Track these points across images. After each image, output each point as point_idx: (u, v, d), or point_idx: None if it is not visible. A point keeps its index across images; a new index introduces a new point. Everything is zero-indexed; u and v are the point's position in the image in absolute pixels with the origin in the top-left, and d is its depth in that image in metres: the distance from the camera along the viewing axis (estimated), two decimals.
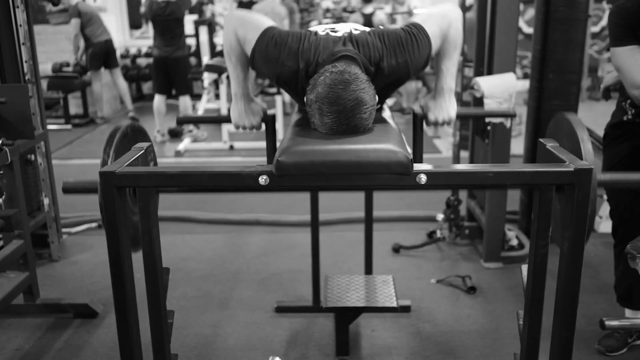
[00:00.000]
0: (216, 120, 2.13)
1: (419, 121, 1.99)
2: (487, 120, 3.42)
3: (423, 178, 1.52)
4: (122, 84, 7.78)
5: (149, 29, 6.81)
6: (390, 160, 1.48)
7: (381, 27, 2.21)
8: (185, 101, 6.91)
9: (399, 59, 1.75)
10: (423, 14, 1.87)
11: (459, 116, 1.98)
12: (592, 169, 1.50)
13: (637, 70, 2.32)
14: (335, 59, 1.70)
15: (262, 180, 1.52)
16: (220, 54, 8.43)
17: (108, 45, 7.63)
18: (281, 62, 1.75)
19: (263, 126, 2.11)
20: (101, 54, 7.67)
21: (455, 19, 1.85)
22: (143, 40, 8.44)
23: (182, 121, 2.22)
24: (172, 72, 6.74)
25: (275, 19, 7.77)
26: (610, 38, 2.44)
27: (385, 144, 1.52)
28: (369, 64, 1.73)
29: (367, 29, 1.86)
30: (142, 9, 7.39)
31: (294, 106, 6.67)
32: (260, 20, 1.83)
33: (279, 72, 1.78)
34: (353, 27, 1.87)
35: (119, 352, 1.71)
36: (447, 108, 1.96)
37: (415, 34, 1.77)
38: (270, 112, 2.07)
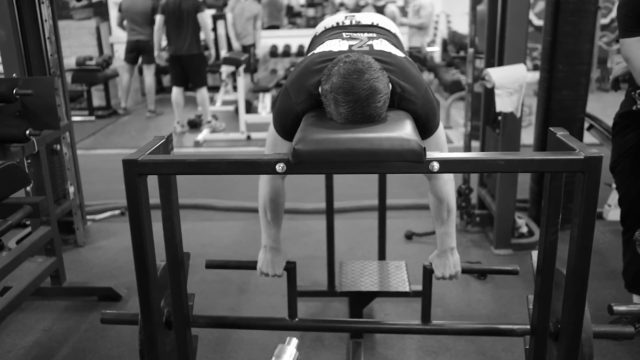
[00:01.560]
0: (244, 266, 2.22)
1: (428, 275, 2.08)
2: (498, 110, 3.39)
3: (436, 165, 1.52)
4: (150, 81, 7.81)
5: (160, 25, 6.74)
6: (404, 148, 1.48)
7: (396, 22, 2.20)
8: (202, 94, 6.93)
9: (413, 92, 1.71)
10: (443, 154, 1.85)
11: (464, 271, 2.14)
12: (601, 156, 1.49)
13: None
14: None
15: (279, 167, 1.53)
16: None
17: (139, 45, 7.64)
18: (295, 104, 1.71)
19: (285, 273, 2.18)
20: (133, 50, 7.71)
21: (451, 185, 1.95)
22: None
23: (211, 266, 2.30)
24: (187, 67, 6.74)
25: (244, 15, 7.80)
26: (619, 29, 2.41)
27: (399, 132, 1.52)
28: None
29: (387, 21, 1.84)
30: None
31: None
32: (268, 138, 1.88)
33: (301, 109, 1.72)
34: (373, 19, 1.86)
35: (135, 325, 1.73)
36: (451, 265, 2.04)
37: (435, 100, 1.77)
38: (290, 263, 2.15)
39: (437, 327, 2.16)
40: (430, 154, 1.53)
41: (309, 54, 1.85)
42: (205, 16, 6.84)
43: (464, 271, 2.10)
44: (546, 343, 1.92)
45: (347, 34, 1.88)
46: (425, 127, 1.74)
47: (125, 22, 7.71)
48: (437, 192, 1.94)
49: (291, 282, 2.14)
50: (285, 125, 1.76)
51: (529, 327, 1.97)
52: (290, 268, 2.14)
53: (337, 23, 2.03)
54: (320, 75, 1.64)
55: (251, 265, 2.17)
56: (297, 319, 2.16)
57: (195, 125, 7.22)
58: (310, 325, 2.43)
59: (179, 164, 1.61)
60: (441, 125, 1.82)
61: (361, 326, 2.49)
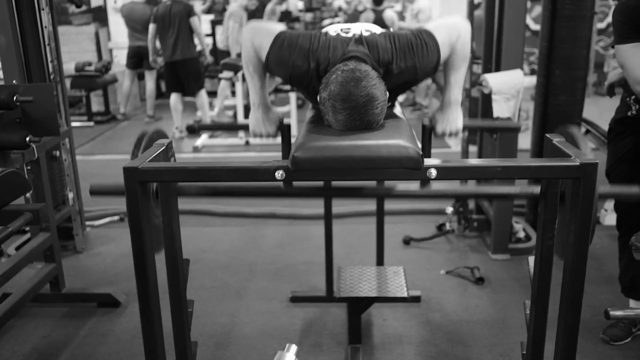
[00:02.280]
0: (233, 127, 2.16)
1: (427, 132, 2.01)
2: (495, 115, 3.40)
3: (433, 172, 1.53)
4: (151, 86, 7.84)
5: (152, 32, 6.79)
6: (402, 156, 1.49)
7: (392, 28, 2.21)
8: (202, 98, 6.94)
9: (408, 62, 1.74)
10: (434, 22, 1.86)
11: (466, 126, 1.99)
12: (597, 163, 1.50)
13: None
14: (345, 58, 1.70)
15: (279, 175, 1.54)
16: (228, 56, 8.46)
17: (141, 50, 7.65)
18: (292, 62, 1.76)
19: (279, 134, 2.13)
20: (135, 55, 7.75)
21: (464, 31, 1.83)
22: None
23: (202, 128, 2.26)
24: (181, 73, 6.74)
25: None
26: (615, 35, 2.43)
27: (397, 139, 1.53)
28: (377, 65, 1.72)
29: (379, 30, 1.86)
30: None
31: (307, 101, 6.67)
32: (273, 26, 1.84)
33: (291, 72, 1.78)
34: (365, 27, 1.87)
35: (141, 339, 1.73)
36: (454, 120, 1.96)
37: (426, 39, 1.76)
38: (280, 111, 2.08)
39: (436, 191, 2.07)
40: (427, 161, 1.54)
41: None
42: (197, 20, 6.86)
43: (465, 126, 2.01)
44: (544, 347, 1.93)
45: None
46: (436, 65, 1.80)
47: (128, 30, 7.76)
48: (457, 49, 1.85)
49: (285, 141, 2.10)
50: (273, 70, 1.82)
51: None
52: (284, 128, 2.08)
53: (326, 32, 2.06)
54: (319, 44, 1.71)
55: (242, 127, 2.12)
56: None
57: (194, 130, 7.21)
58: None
59: (179, 171, 1.61)
60: (432, 27, 1.82)
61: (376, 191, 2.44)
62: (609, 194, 1.78)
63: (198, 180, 1.64)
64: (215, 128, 2.34)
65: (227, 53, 8.02)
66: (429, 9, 8.93)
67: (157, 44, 6.99)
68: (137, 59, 7.76)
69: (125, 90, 8.04)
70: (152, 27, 6.80)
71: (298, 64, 1.75)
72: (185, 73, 6.75)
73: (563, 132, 1.94)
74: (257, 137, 2.05)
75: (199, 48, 7.01)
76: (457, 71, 1.88)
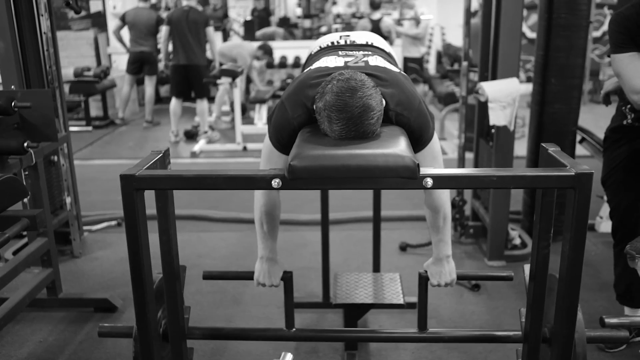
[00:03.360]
0: (241, 277, 2.25)
1: (423, 283, 2.11)
2: (492, 123, 3.41)
3: (429, 181, 1.53)
4: (150, 92, 7.87)
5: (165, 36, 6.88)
6: (398, 165, 1.49)
7: (392, 35, 2.21)
8: (202, 105, 6.98)
9: (405, 111, 1.72)
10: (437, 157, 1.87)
11: (459, 277, 2.14)
12: (592, 173, 1.50)
13: (637, 76, 2.32)
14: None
15: (275, 183, 1.54)
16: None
17: (143, 56, 7.72)
18: (292, 118, 1.72)
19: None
20: (136, 61, 7.78)
21: (447, 194, 1.96)
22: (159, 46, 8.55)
23: (208, 277, 2.30)
24: (192, 78, 6.80)
25: (241, 52, 7.81)
26: (611, 45, 2.43)
27: (393, 148, 1.53)
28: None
29: (381, 41, 1.86)
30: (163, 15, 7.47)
31: None
32: (264, 151, 1.87)
33: (298, 123, 1.73)
34: (365, 37, 1.87)
35: (130, 339, 1.73)
36: (446, 273, 2.07)
37: (428, 113, 1.78)
38: (287, 273, 2.15)
39: (434, 334, 2.17)
40: (424, 170, 1.54)
41: (306, 70, 1.86)
42: (212, 30, 7.01)
43: (459, 278, 2.12)
44: (539, 351, 1.92)
45: (343, 52, 1.89)
46: (420, 140, 1.76)
47: (128, 34, 7.76)
48: (432, 202, 1.95)
49: (288, 292, 2.14)
50: (282, 139, 1.77)
51: (521, 333, 1.99)
52: (287, 278, 2.14)
53: (332, 42, 2.05)
54: (317, 90, 1.65)
55: (248, 276, 2.17)
56: (294, 329, 2.16)
57: (191, 135, 7.23)
58: (308, 335, 2.45)
59: (175, 179, 1.61)
60: (435, 137, 1.84)
61: (358, 335, 2.51)
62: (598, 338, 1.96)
63: (195, 188, 1.64)
64: (221, 278, 2.39)
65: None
66: (427, 15, 8.97)
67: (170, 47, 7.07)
68: (139, 65, 7.78)
69: (125, 95, 8.05)
70: (165, 29, 6.88)
71: (298, 114, 1.72)
72: (196, 78, 6.85)
73: None
74: (261, 286, 2.14)
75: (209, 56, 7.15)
76: (440, 231, 2.00)
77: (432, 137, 1.80)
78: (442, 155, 1.88)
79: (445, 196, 1.95)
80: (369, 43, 2.01)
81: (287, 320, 2.14)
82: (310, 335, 2.48)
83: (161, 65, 7.30)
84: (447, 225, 2.01)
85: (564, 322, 1.66)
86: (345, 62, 1.80)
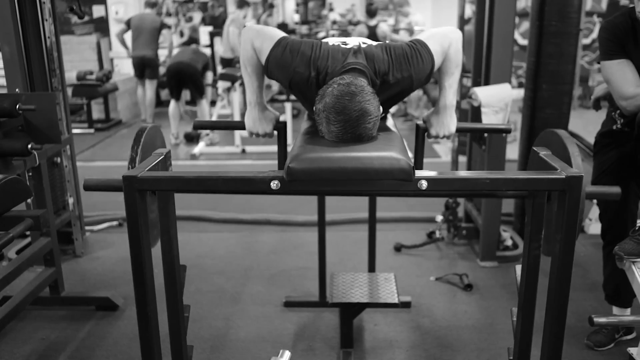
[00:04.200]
0: (230, 126, 2.13)
1: (421, 134, 2.00)
2: None
3: (424, 184, 1.54)
4: (150, 95, 7.92)
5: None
6: (393, 167, 1.49)
7: (387, 41, 2.21)
8: (203, 107, 6.99)
9: (404, 72, 1.76)
10: (426, 33, 1.87)
11: (459, 130, 1.99)
12: (582, 176, 1.51)
13: (625, 82, 2.33)
14: (344, 70, 1.71)
15: (274, 185, 1.54)
16: (231, 63, 8.50)
17: (144, 61, 7.80)
18: (294, 68, 1.76)
19: (275, 133, 2.09)
20: (138, 65, 7.90)
21: (456, 39, 1.85)
22: (160, 50, 8.52)
23: (199, 126, 2.23)
24: (188, 81, 6.81)
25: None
26: (600, 52, 2.44)
27: (389, 151, 1.53)
28: (375, 77, 1.73)
29: (375, 42, 1.87)
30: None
31: (303, 111, 6.70)
32: (275, 31, 1.85)
33: (292, 77, 1.79)
34: (362, 40, 1.88)
35: (138, 342, 1.73)
36: (448, 124, 1.94)
37: (420, 49, 1.78)
38: (282, 120, 2.06)
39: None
40: (418, 173, 1.55)
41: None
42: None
43: (458, 129, 2.00)
44: (530, 349, 1.93)
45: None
46: (432, 68, 1.81)
47: (130, 38, 7.82)
48: (448, 57, 1.87)
49: (281, 141, 2.08)
50: (272, 73, 1.81)
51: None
52: (281, 127, 2.05)
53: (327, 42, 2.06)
54: (325, 64, 1.71)
55: (239, 125, 2.06)
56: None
57: (191, 138, 7.23)
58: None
59: (177, 180, 1.61)
60: (428, 41, 1.82)
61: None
62: (594, 193, 1.80)
63: (195, 189, 1.64)
64: (213, 127, 2.34)
65: (228, 61, 8.09)
66: (423, 23, 8.97)
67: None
68: (141, 69, 7.84)
69: (139, 99, 8.18)
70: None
71: (299, 71, 1.76)
72: (191, 81, 6.87)
73: (551, 137, 1.95)
74: (254, 135, 2.01)
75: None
76: (451, 76, 1.88)
77: (431, 54, 1.80)
78: (439, 32, 1.86)
79: (460, 53, 1.88)
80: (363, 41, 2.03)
81: (280, 165, 2.07)
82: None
83: (162, 69, 7.37)
84: (458, 72, 1.91)
85: (554, 321, 1.67)
86: (343, 41, 1.83)
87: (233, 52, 8.03)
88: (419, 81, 1.81)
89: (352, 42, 1.86)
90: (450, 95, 1.91)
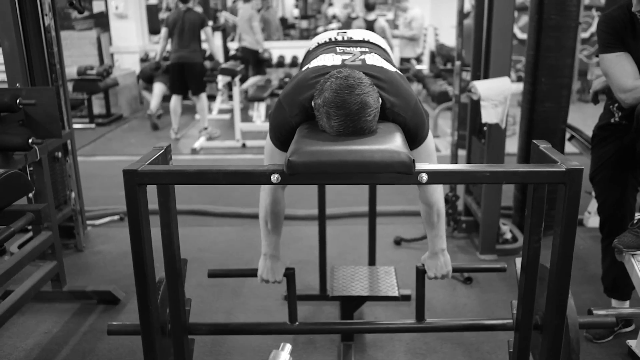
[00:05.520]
0: (245, 274, 2.25)
1: (420, 276, 2.11)
2: (484, 121, 3.41)
3: (424, 177, 1.53)
4: (158, 88, 7.90)
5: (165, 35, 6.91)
6: (394, 160, 1.48)
7: (386, 34, 2.20)
8: (202, 101, 6.97)
9: (403, 111, 1.71)
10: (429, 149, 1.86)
11: (454, 270, 2.16)
12: (582, 169, 1.50)
13: (624, 75, 2.32)
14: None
15: (274, 178, 1.54)
16: (234, 57, 8.48)
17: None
18: (290, 117, 1.72)
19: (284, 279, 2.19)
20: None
21: (440, 191, 1.97)
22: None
23: (213, 275, 2.31)
24: (188, 75, 6.79)
25: (254, 24, 8.02)
26: (599, 45, 2.43)
27: (389, 144, 1.52)
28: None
29: (377, 38, 1.85)
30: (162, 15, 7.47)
31: None
32: (266, 150, 1.88)
33: (295, 122, 1.72)
34: (363, 35, 1.86)
35: (140, 336, 1.72)
36: (442, 265, 2.08)
37: (424, 114, 1.78)
38: (289, 270, 2.17)
39: (431, 325, 2.18)
40: (419, 166, 1.54)
41: (304, 68, 1.85)
42: (210, 30, 7.03)
43: (454, 271, 2.13)
44: (529, 340, 1.93)
45: (341, 48, 1.89)
46: (415, 138, 1.76)
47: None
48: (427, 199, 1.96)
49: (291, 288, 2.15)
50: (281, 137, 1.77)
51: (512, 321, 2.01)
52: (290, 274, 2.15)
53: (330, 39, 2.03)
54: (314, 90, 1.65)
55: (252, 273, 2.18)
56: (297, 323, 2.18)
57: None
58: (310, 328, 2.47)
59: (177, 174, 1.61)
60: (430, 135, 1.83)
61: (357, 327, 2.55)
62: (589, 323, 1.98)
63: (196, 182, 1.63)
64: (227, 276, 2.40)
65: (255, 52, 8.26)
66: (421, 18, 8.95)
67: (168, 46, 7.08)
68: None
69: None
70: (163, 30, 6.93)
71: (295, 114, 1.71)
72: (192, 75, 6.84)
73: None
74: (264, 282, 2.16)
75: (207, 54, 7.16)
76: (436, 226, 2.02)
77: (427, 135, 1.80)
78: (436, 153, 1.89)
79: (438, 193, 1.96)
80: (366, 39, 2.00)
81: (290, 314, 2.15)
82: (312, 328, 2.51)
83: (156, 63, 7.32)
84: (442, 221, 2.03)
85: (554, 313, 1.66)
86: (343, 60, 1.79)
87: (261, 45, 8.24)
88: (410, 123, 1.73)
89: (351, 34, 1.84)
90: (440, 242, 2.06)
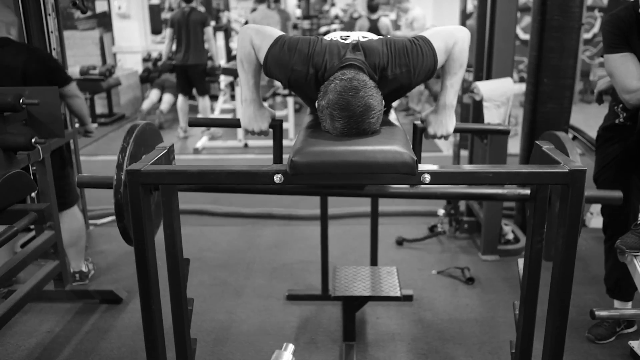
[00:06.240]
0: (226, 124, 2.08)
1: (418, 133, 1.96)
2: (486, 121, 3.40)
3: (427, 177, 1.52)
4: (154, 94, 7.93)
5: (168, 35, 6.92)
6: (397, 161, 1.48)
7: (389, 35, 2.19)
8: (204, 102, 6.98)
9: (403, 67, 1.72)
10: (432, 30, 1.84)
11: (457, 130, 1.97)
12: (585, 170, 1.50)
13: (628, 75, 2.31)
14: (342, 66, 1.69)
15: (277, 178, 1.53)
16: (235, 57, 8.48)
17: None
18: (292, 66, 1.74)
19: (271, 131, 2.05)
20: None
21: (462, 38, 1.80)
22: (163, 45, 8.53)
23: (194, 124, 2.20)
24: (192, 77, 6.81)
25: (270, 23, 7.95)
26: (604, 45, 2.43)
27: (392, 145, 1.52)
28: (374, 72, 1.70)
29: (376, 36, 1.85)
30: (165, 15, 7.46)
31: (305, 106, 6.68)
32: (273, 30, 1.83)
33: (290, 75, 1.77)
34: (362, 34, 1.86)
35: (142, 335, 1.72)
36: (446, 124, 1.90)
37: (422, 45, 1.74)
38: (279, 114, 2.01)
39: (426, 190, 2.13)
40: (421, 166, 1.54)
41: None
42: (211, 30, 6.97)
43: (457, 131, 1.97)
44: (532, 346, 1.92)
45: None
46: (435, 65, 1.78)
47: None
48: (453, 55, 1.82)
49: (277, 139, 2.04)
50: (270, 71, 1.79)
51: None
52: (276, 125, 2.01)
53: (332, 39, 2.04)
54: (323, 59, 1.69)
55: (236, 123, 2.03)
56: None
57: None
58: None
59: (180, 174, 1.60)
60: (432, 38, 1.78)
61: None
62: (594, 197, 1.79)
63: (199, 182, 1.63)
64: (209, 124, 2.32)
65: None
66: (423, 18, 8.94)
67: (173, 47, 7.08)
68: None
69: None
70: (169, 31, 6.93)
71: (297, 69, 1.74)
72: (196, 76, 6.85)
73: (551, 136, 1.95)
74: (250, 133, 1.98)
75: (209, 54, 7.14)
76: (453, 76, 1.84)
77: (434, 50, 1.76)
78: (442, 30, 1.82)
79: (465, 52, 1.83)
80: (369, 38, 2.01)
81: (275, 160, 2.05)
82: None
83: (163, 64, 7.35)
84: (461, 72, 1.85)
85: (556, 315, 1.66)
86: (343, 36, 1.81)
87: None
88: (418, 77, 1.76)
89: (353, 36, 1.84)
90: (451, 94, 1.87)
